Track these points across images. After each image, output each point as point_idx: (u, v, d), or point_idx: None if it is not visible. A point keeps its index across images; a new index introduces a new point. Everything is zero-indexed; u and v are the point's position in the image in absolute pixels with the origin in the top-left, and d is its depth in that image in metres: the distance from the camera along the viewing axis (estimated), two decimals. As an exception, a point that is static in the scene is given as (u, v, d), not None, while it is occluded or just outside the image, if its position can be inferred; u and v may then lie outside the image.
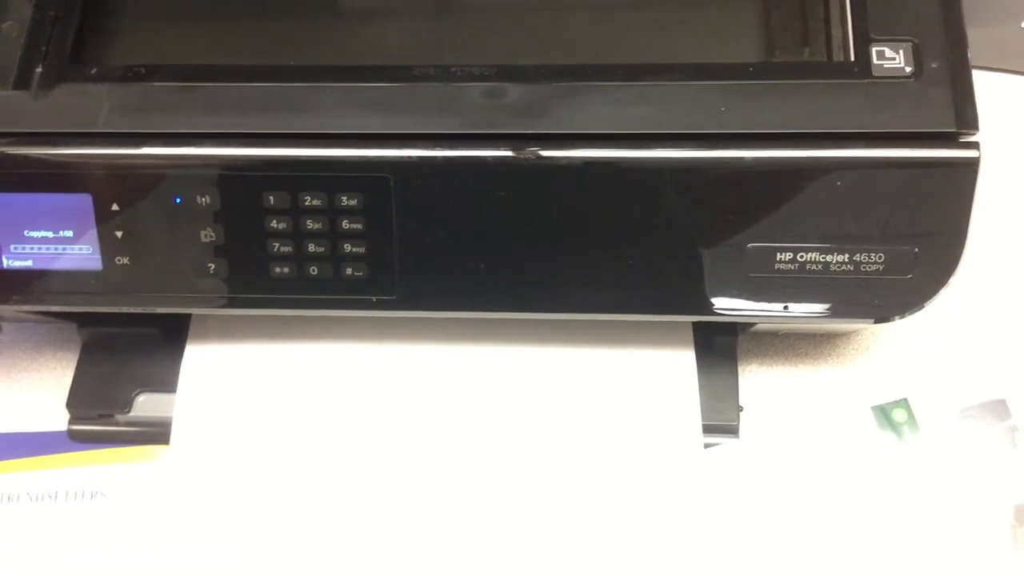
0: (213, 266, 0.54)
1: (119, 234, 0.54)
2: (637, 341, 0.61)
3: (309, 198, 0.52)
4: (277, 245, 0.53)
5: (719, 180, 0.51)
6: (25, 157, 0.53)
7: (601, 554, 0.57)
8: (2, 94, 0.54)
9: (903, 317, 0.53)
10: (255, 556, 0.58)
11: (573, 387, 0.61)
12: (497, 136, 0.52)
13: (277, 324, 0.63)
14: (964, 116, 0.50)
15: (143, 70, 0.54)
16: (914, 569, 0.56)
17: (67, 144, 0.53)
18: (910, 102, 0.51)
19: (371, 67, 0.54)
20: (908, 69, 0.51)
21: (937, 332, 0.63)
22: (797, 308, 0.53)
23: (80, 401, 0.63)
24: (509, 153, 0.51)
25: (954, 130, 0.50)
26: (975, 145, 0.50)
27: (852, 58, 0.52)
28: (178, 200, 0.53)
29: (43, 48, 0.55)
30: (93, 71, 0.54)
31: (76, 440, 0.63)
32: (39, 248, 0.54)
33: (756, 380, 0.63)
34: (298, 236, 0.53)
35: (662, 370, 0.60)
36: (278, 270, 0.54)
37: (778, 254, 0.52)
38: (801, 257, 0.52)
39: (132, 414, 0.63)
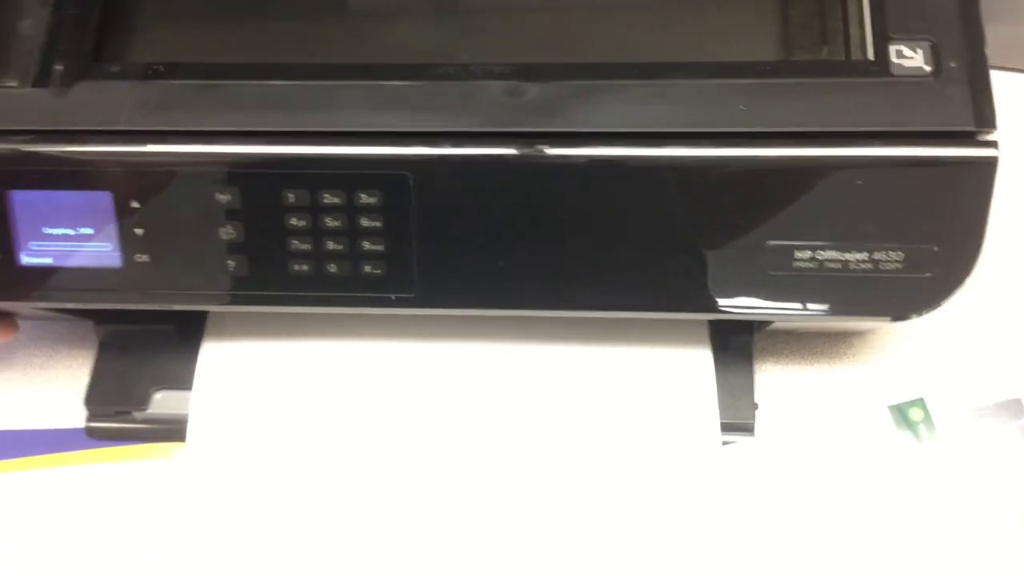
0: (232, 263, 0.54)
1: (139, 231, 0.54)
2: (654, 340, 0.61)
3: (328, 196, 0.52)
4: (296, 243, 0.54)
5: (738, 178, 0.51)
6: (45, 155, 0.53)
7: (618, 551, 0.57)
8: (22, 92, 0.54)
9: (921, 315, 0.53)
10: (271, 554, 0.59)
11: (591, 385, 0.61)
12: (516, 134, 0.52)
13: (293, 321, 0.63)
14: (982, 115, 0.50)
15: (163, 68, 0.54)
16: (930, 567, 0.56)
17: (87, 142, 0.53)
18: (929, 101, 0.51)
19: (390, 66, 0.54)
20: (927, 68, 0.51)
21: (953, 331, 0.63)
22: (815, 306, 0.53)
23: (97, 398, 0.64)
24: (528, 151, 0.51)
25: (972, 129, 0.50)
26: (993, 144, 0.50)
27: (871, 57, 0.52)
28: (198, 198, 0.53)
29: (63, 46, 0.55)
30: (113, 69, 0.54)
31: (93, 437, 0.64)
32: (58, 245, 0.55)
33: (772, 379, 0.63)
34: (317, 234, 0.53)
35: (679, 368, 0.61)
36: (297, 268, 0.54)
37: (796, 252, 0.52)
38: (820, 255, 0.52)
39: (149, 411, 0.63)
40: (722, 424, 0.60)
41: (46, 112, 0.53)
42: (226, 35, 0.60)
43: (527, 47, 0.58)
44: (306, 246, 0.54)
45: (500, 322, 0.61)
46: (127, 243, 0.54)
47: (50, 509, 0.61)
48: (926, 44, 0.52)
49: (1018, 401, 0.60)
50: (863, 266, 0.52)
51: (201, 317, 0.64)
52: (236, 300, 0.55)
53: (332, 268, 0.54)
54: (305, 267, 0.54)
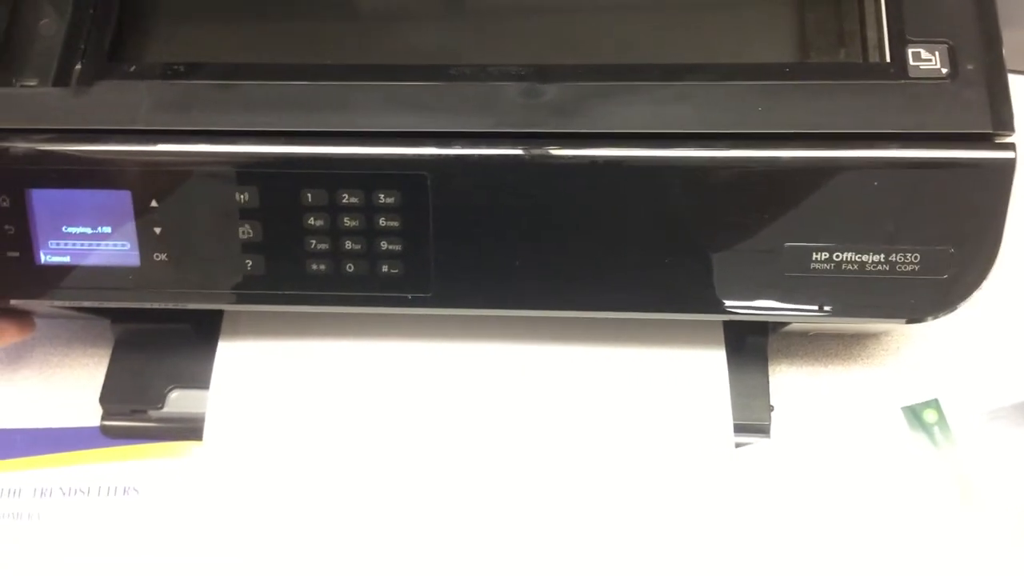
0: (250, 263, 0.54)
1: (157, 230, 0.54)
2: (669, 341, 0.61)
3: (347, 196, 0.53)
4: (314, 242, 0.54)
5: (756, 179, 0.51)
6: (64, 154, 0.53)
7: (632, 552, 0.57)
8: (41, 91, 0.54)
9: (937, 317, 0.54)
10: (288, 553, 0.59)
11: (605, 385, 0.61)
12: (534, 135, 0.52)
13: (309, 320, 0.63)
14: (1000, 117, 0.50)
15: (182, 68, 0.54)
16: (945, 569, 0.56)
17: (106, 141, 0.53)
18: (946, 103, 0.51)
19: (408, 66, 0.54)
20: (944, 70, 0.51)
21: (967, 333, 0.63)
22: (831, 308, 0.53)
23: (113, 397, 0.64)
24: (546, 152, 0.52)
25: (990, 131, 0.50)
26: (1011, 146, 0.51)
27: (888, 59, 0.52)
28: (216, 197, 0.53)
29: (82, 45, 0.55)
30: (132, 68, 0.55)
31: (109, 436, 0.64)
32: (77, 244, 0.55)
33: (786, 380, 0.63)
34: (335, 233, 0.53)
35: (694, 369, 0.61)
36: (315, 267, 0.54)
37: (814, 254, 0.52)
38: (837, 257, 0.52)
39: (165, 410, 0.64)
40: (737, 425, 0.60)
41: (65, 111, 0.54)
42: (244, 35, 0.60)
43: (544, 48, 0.58)
44: (323, 245, 0.54)
45: (514, 322, 0.61)
46: (145, 242, 0.54)
47: (65, 508, 0.61)
48: (943, 46, 0.52)
49: (1033, 403, 0.60)
50: (880, 268, 0.52)
51: (218, 316, 0.64)
52: (253, 299, 0.56)
53: (349, 267, 0.54)
54: (322, 266, 0.54)
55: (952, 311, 0.53)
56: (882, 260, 0.52)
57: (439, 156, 0.52)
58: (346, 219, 0.53)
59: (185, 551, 0.60)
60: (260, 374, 0.62)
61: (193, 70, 0.54)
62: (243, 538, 0.59)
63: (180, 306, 0.57)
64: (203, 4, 0.60)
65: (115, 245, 0.55)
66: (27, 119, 0.53)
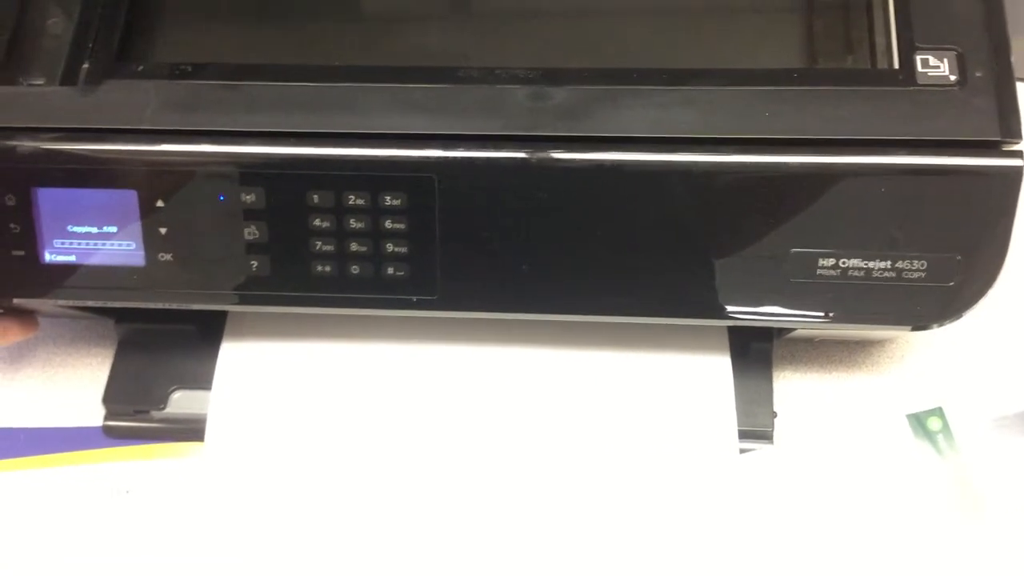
0: (256, 263, 0.54)
1: (163, 231, 0.54)
2: (673, 346, 0.61)
3: (353, 197, 0.53)
4: (319, 244, 0.54)
5: (763, 185, 0.51)
6: (70, 153, 0.53)
7: (636, 557, 0.57)
8: (49, 90, 0.54)
9: (942, 325, 0.54)
10: (288, 555, 0.59)
11: (609, 389, 0.61)
12: (541, 138, 0.52)
13: (313, 322, 0.63)
14: (1008, 125, 0.50)
15: (189, 68, 0.54)
16: (949, 577, 0.56)
17: (113, 140, 0.53)
18: (954, 110, 0.51)
19: (416, 68, 0.54)
20: (952, 78, 0.51)
21: (972, 341, 0.63)
22: (837, 314, 0.53)
23: (116, 397, 0.64)
24: (553, 155, 0.52)
25: (998, 139, 0.50)
26: (1019, 154, 0.50)
27: (896, 66, 0.52)
28: (222, 198, 0.53)
29: (90, 45, 0.55)
30: (139, 68, 0.55)
31: (111, 436, 0.64)
32: (82, 243, 0.55)
33: (790, 386, 0.63)
34: (341, 235, 0.53)
35: (698, 375, 0.61)
36: (320, 268, 0.54)
37: (820, 260, 0.52)
38: (843, 263, 0.52)
39: (167, 411, 0.64)
40: (741, 431, 0.60)
41: (72, 111, 0.54)
42: (251, 36, 0.60)
43: (552, 51, 0.58)
44: (329, 247, 0.54)
45: (520, 326, 0.61)
46: (150, 242, 0.54)
47: (67, 507, 0.61)
48: (952, 54, 0.52)
49: (1038, 412, 0.60)
50: (886, 274, 0.52)
51: (221, 317, 0.64)
52: (258, 300, 0.56)
53: (355, 269, 0.54)
54: (328, 268, 0.54)
55: (958, 318, 0.53)
56: (888, 267, 0.52)
57: (446, 158, 0.52)
58: (352, 221, 0.53)
59: (185, 552, 0.59)
60: (263, 376, 0.62)
61: (200, 70, 0.54)
62: (244, 539, 0.59)
63: (184, 306, 0.57)
64: (211, 5, 0.60)
65: (120, 245, 0.55)
66: (34, 118, 0.53)
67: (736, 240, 0.52)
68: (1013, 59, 0.52)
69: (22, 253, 0.55)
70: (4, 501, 0.61)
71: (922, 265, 0.52)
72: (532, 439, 0.60)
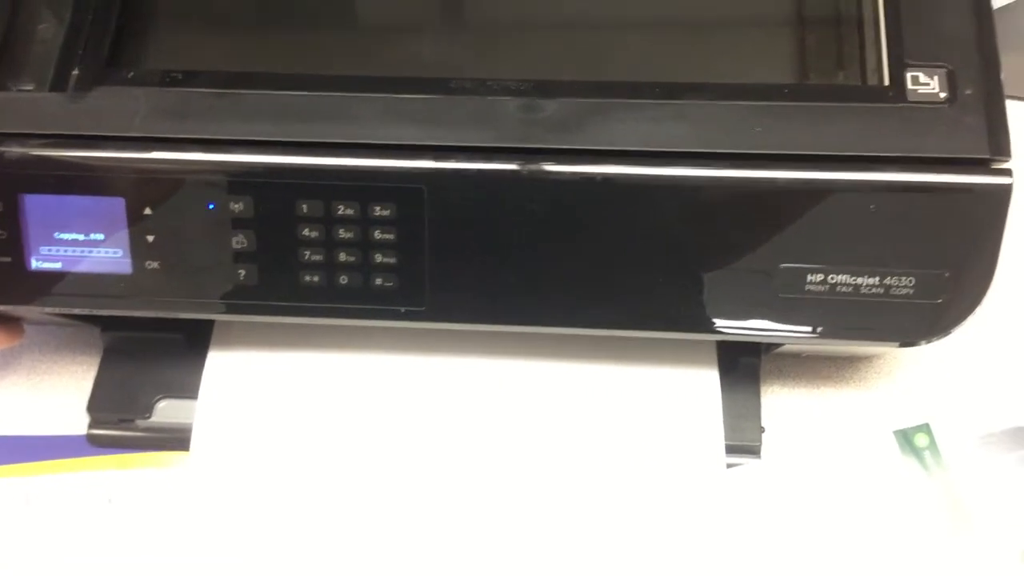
0: (243, 272, 0.54)
1: (150, 238, 0.54)
2: (661, 360, 0.61)
3: (342, 207, 0.52)
4: (308, 253, 0.53)
5: (753, 200, 0.51)
6: (59, 159, 0.53)
7: (623, 572, 0.57)
8: (38, 96, 0.54)
9: (930, 342, 0.54)
10: (272, 565, 0.58)
11: (596, 403, 0.61)
12: (532, 150, 0.52)
13: (300, 332, 0.63)
14: (997, 143, 0.51)
15: (180, 75, 0.54)
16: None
17: (101, 147, 0.53)
18: (944, 128, 0.51)
19: (408, 79, 0.54)
20: (942, 95, 0.51)
21: (960, 357, 0.63)
22: (826, 330, 0.53)
23: (100, 405, 0.64)
24: (544, 167, 0.51)
25: (987, 157, 0.50)
26: (1008, 172, 0.51)
27: (887, 82, 0.52)
28: (211, 206, 0.53)
29: (80, 51, 0.55)
30: (130, 75, 0.54)
31: (95, 444, 0.63)
32: (69, 250, 0.54)
33: (778, 401, 0.63)
34: (330, 245, 0.53)
35: (686, 389, 0.61)
36: (308, 278, 0.54)
37: (809, 275, 0.52)
38: (832, 279, 0.52)
39: (152, 419, 0.63)
40: (728, 446, 0.60)
41: (61, 117, 0.53)
42: (242, 44, 0.60)
43: (544, 64, 0.58)
44: (318, 257, 0.53)
45: (508, 338, 0.60)
46: (138, 250, 0.54)
47: (50, 515, 0.60)
48: (942, 71, 0.52)
49: (1024, 429, 0.60)
50: (874, 291, 0.52)
51: (208, 326, 0.63)
52: (245, 310, 0.55)
53: (343, 279, 0.54)
54: (316, 278, 0.54)
55: (946, 335, 0.53)
56: (877, 283, 0.52)
57: (436, 169, 0.52)
58: (341, 231, 0.53)
59: (169, 561, 0.59)
60: (249, 385, 0.62)
61: (191, 78, 0.54)
62: (228, 549, 0.59)
63: (171, 315, 0.56)
64: (203, 12, 0.60)
65: (107, 252, 0.54)
66: (22, 123, 0.53)
67: (725, 255, 0.52)
68: (1003, 76, 0.52)
69: (8, 260, 0.54)
70: (-14, 509, 0.61)
71: (910, 282, 0.52)
72: (518, 452, 0.60)
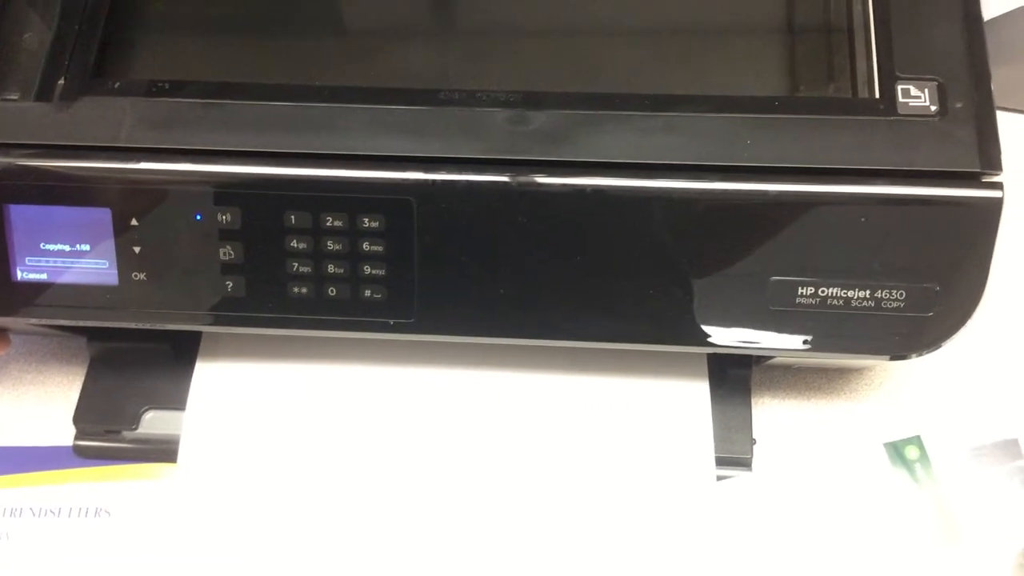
0: (231, 284, 0.54)
1: (137, 249, 0.53)
2: (651, 372, 0.61)
3: (331, 219, 0.52)
4: (296, 265, 0.53)
5: (743, 213, 0.51)
6: (44, 169, 0.52)
7: (612, 585, 0.57)
8: (23, 106, 0.53)
9: (921, 355, 0.53)
10: (261, 578, 0.58)
11: (586, 415, 0.60)
12: (521, 162, 0.51)
13: (288, 344, 0.62)
14: (988, 156, 0.50)
15: (166, 85, 0.54)
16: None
17: (87, 158, 0.52)
18: (934, 141, 0.51)
19: (397, 90, 0.53)
20: (933, 108, 0.51)
21: (951, 370, 0.63)
22: (817, 342, 0.53)
23: (87, 416, 0.63)
24: (533, 179, 0.51)
25: (978, 170, 0.50)
26: (998, 186, 0.51)
27: (877, 95, 0.52)
28: (198, 217, 0.53)
29: (66, 60, 0.55)
30: (116, 85, 0.54)
31: (81, 456, 0.63)
32: (55, 261, 0.54)
33: (769, 413, 0.63)
34: (318, 256, 0.53)
35: (676, 401, 0.60)
36: (296, 290, 0.54)
37: (800, 288, 0.52)
38: (823, 292, 0.52)
39: (139, 431, 0.63)
40: (719, 458, 0.59)
41: (47, 127, 0.53)
42: (230, 54, 0.60)
43: (533, 75, 0.57)
44: (306, 268, 0.53)
45: (497, 350, 0.60)
46: (124, 261, 0.54)
47: (35, 528, 0.60)
48: (933, 84, 0.52)
49: (1015, 442, 0.60)
50: (865, 304, 0.52)
51: (196, 337, 0.63)
52: (233, 321, 0.55)
53: (332, 291, 0.54)
54: (304, 290, 0.54)
55: (937, 348, 0.53)
56: (868, 296, 0.52)
57: (425, 181, 0.52)
58: (329, 242, 0.53)
59: (156, 574, 0.58)
60: (237, 397, 0.62)
61: (178, 88, 0.54)
62: (214, 562, 0.58)
63: (158, 327, 0.56)
64: (190, 22, 0.60)
65: (93, 263, 0.54)
66: (7, 133, 0.53)
67: (716, 267, 0.52)
68: (994, 88, 0.52)
69: (-7, 270, 0.54)
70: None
71: (901, 295, 0.52)
72: (508, 464, 0.60)
